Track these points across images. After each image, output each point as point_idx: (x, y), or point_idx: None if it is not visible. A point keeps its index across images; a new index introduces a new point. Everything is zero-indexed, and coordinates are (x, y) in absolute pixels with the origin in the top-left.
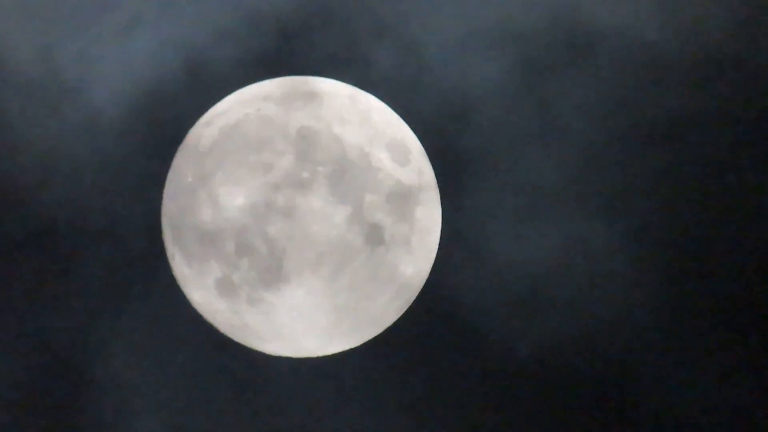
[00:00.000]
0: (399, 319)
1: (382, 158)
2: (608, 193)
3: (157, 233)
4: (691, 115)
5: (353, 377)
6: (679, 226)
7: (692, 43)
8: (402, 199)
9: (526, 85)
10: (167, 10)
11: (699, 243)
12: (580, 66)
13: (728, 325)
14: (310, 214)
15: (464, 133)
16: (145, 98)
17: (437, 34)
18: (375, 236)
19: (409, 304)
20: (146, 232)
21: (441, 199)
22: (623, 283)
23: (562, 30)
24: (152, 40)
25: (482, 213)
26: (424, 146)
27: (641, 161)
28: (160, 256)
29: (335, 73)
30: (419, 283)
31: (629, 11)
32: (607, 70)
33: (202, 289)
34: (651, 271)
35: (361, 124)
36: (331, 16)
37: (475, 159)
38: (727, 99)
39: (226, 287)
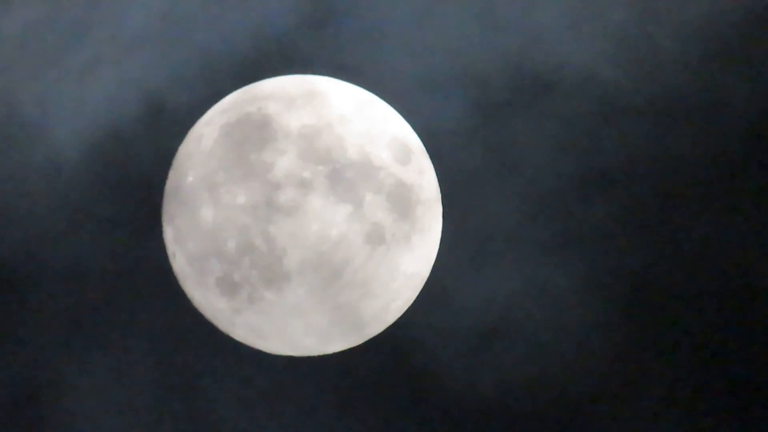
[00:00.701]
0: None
1: (383, 157)
2: (567, 235)
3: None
4: (650, 157)
5: (354, 376)
6: (637, 268)
7: (651, 85)
8: (403, 197)
9: (483, 127)
10: (127, 52)
11: (658, 284)
12: (538, 107)
13: (690, 366)
14: (311, 212)
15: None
16: (105, 139)
17: (395, 76)
18: (376, 235)
19: (410, 303)
20: (106, 275)
21: None
22: (582, 324)
23: (521, 71)
24: (112, 82)
25: (439, 254)
26: None
27: (600, 203)
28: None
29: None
30: (420, 281)
31: (588, 53)
32: (565, 111)
33: (203, 287)
34: (610, 313)
35: (362, 122)
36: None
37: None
38: (686, 140)
39: (226, 286)
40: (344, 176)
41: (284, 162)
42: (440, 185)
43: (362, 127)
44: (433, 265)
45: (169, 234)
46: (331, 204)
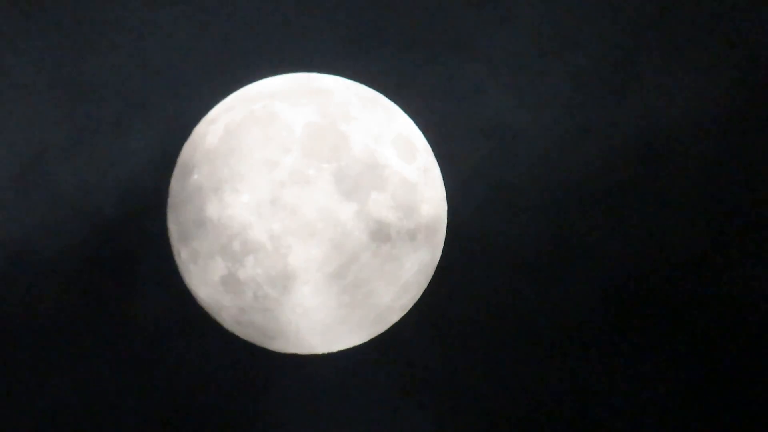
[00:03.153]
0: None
1: (388, 155)
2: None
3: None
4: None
5: (358, 374)
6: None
7: None
8: (408, 195)
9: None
10: None
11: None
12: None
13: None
14: (315, 211)
15: None
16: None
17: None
18: (381, 233)
19: (415, 302)
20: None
21: None
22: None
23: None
24: None
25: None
26: None
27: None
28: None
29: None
30: (425, 280)
31: None
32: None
33: (208, 285)
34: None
35: (367, 120)
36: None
37: None
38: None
39: (231, 284)
40: (349, 174)
41: (289, 160)
42: (445, 183)
43: (367, 125)
44: (438, 264)
45: (173, 232)
46: (335, 202)
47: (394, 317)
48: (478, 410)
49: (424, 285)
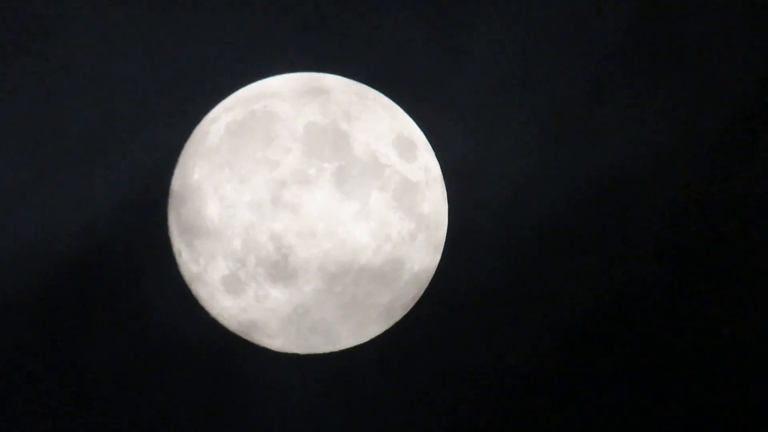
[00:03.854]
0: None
1: (389, 155)
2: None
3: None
4: None
5: (359, 374)
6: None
7: None
8: (409, 195)
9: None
10: None
11: None
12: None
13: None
14: (316, 210)
15: None
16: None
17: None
18: (381, 233)
19: (416, 301)
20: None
21: None
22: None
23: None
24: None
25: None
26: None
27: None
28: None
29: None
30: (426, 279)
31: None
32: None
33: (209, 285)
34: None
35: (367, 120)
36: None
37: None
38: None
39: (232, 284)
40: (350, 174)
41: (290, 159)
42: (446, 183)
43: (368, 124)
44: (439, 264)
45: (174, 232)
46: (336, 202)
47: (395, 317)
48: (478, 410)
49: (425, 285)
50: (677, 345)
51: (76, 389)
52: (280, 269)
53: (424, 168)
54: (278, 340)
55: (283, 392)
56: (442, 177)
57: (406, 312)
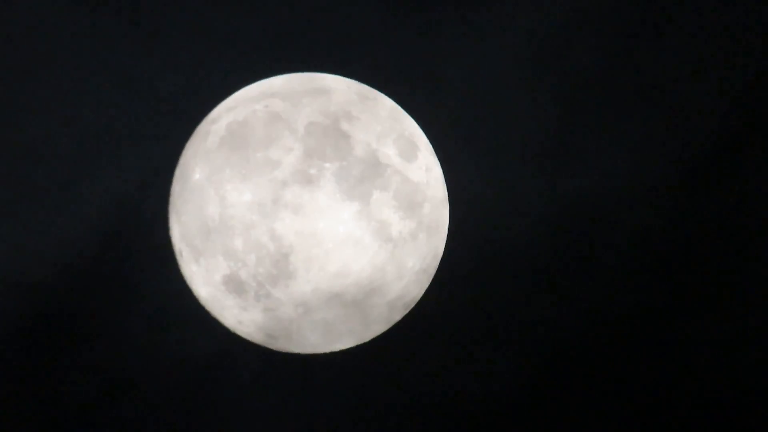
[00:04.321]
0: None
1: (390, 155)
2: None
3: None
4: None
5: (359, 374)
6: None
7: None
8: (410, 195)
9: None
10: None
11: None
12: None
13: None
14: (317, 210)
15: None
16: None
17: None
18: (383, 233)
19: (416, 301)
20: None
21: None
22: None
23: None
24: None
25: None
26: None
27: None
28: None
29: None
30: (427, 279)
31: None
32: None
33: (210, 285)
34: None
35: (368, 120)
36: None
37: None
38: None
39: (233, 283)
40: (351, 174)
41: (291, 159)
42: (447, 183)
43: (369, 124)
44: (440, 263)
45: (175, 231)
46: (337, 202)
47: (396, 317)
48: (478, 410)
49: (426, 285)
50: (653, 367)
51: (77, 389)
52: (281, 269)
53: (425, 168)
54: (279, 340)
55: (281, 392)
56: (443, 176)
57: (406, 312)
